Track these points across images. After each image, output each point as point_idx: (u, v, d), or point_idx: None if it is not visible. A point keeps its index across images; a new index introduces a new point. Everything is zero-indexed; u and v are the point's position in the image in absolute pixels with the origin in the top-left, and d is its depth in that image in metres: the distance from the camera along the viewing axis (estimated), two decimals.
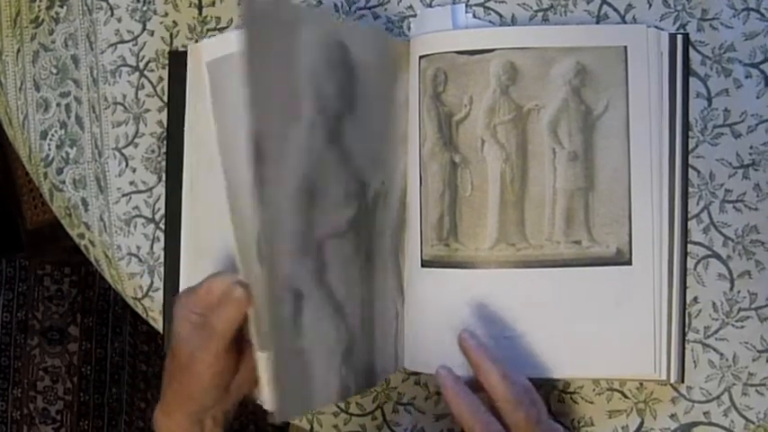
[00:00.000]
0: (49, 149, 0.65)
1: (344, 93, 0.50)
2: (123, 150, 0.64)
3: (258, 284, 0.49)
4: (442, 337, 0.56)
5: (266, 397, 0.50)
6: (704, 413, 0.58)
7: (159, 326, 0.63)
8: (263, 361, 0.50)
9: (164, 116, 0.63)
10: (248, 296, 0.50)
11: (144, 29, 0.64)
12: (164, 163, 0.63)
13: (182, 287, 0.61)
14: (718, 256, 0.58)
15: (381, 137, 0.56)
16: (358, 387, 0.54)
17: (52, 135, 0.65)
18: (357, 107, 0.52)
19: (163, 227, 0.63)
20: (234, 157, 0.53)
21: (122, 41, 0.64)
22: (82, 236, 0.65)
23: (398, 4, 0.61)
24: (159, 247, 0.63)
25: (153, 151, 0.64)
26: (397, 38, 0.60)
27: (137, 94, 0.64)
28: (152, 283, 0.63)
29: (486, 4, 0.60)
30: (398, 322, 0.58)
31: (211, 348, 0.50)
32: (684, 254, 0.57)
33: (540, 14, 0.60)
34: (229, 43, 0.54)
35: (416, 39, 0.58)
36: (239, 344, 0.52)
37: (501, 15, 0.60)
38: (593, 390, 0.59)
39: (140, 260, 0.64)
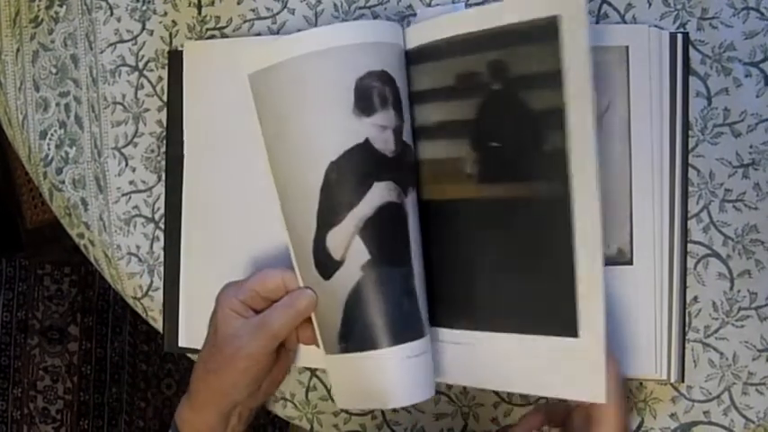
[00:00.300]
0: (49, 149, 0.65)
1: None
2: (123, 150, 0.64)
3: (327, 292, 0.51)
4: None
5: (336, 396, 0.54)
6: (704, 412, 0.58)
7: (159, 325, 0.63)
8: (330, 363, 0.53)
9: (163, 116, 0.63)
10: (315, 302, 0.51)
11: (143, 28, 0.64)
12: (163, 162, 0.63)
13: (182, 287, 0.61)
14: (718, 256, 0.58)
15: None
16: None
17: (52, 135, 0.65)
18: None
19: (162, 226, 0.63)
20: (283, 170, 0.53)
21: (122, 41, 0.64)
22: (81, 235, 0.65)
23: (398, 3, 0.61)
24: (159, 247, 0.63)
25: (152, 151, 0.64)
26: None
27: (136, 93, 0.64)
28: (152, 282, 0.63)
29: (486, 4, 0.60)
30: None
31: (262, 345, 0.51)
32: (684, 253, 0.57)
33: None
34: (272, 54, 0.51)
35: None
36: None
37: None
38: None
39: (140, 260, 0.64)
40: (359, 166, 0.50)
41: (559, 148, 0.48)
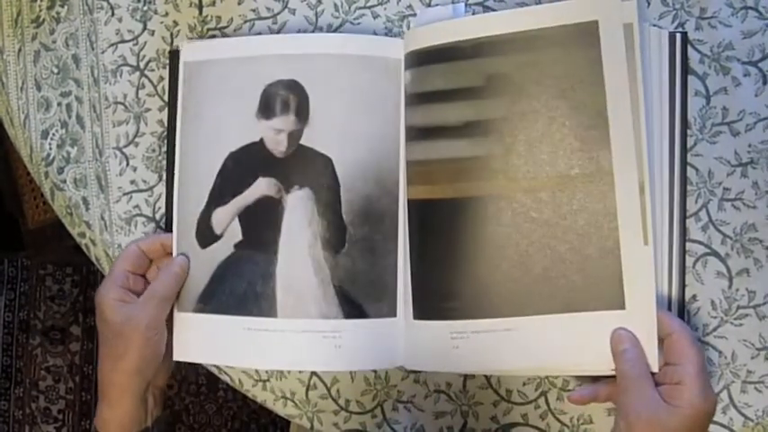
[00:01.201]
0: (50, 149, 0.65)
1: None
2: (124, 149, 0.64)
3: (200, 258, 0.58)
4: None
5: (176, 349, 0.59)
6: None
7: None
8: (180, 319, 0.59)
9: (164, 115, 0.63)
10: (188, 266, 0.59)
11: (144, 28, 0.64)
12: (164, 162, 0.63)
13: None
14: (716, 254, 0.58)
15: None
16: None
17: (53, 134, 0.65)
18: None
19: (163, 225, 0.63)
20: (192, 148, 0.60)
21: (123, 41, 0.64)
22: (83, 235, 0.65)
23: (398, 3, 0.61)
24: None
25: (153, 150, 0.64)
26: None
27: (137, 93, 0.64)
28: None
29: (486, 4, 0.60)
30: None
31: (156, 313, 0.56)
32: (683, 252, 0.57)
33: None
34: (208, 51, 0.60)
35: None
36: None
37: None
38: None
39: None
40: (250, 160, 0.59)
41: (602, 141, 0.53)
